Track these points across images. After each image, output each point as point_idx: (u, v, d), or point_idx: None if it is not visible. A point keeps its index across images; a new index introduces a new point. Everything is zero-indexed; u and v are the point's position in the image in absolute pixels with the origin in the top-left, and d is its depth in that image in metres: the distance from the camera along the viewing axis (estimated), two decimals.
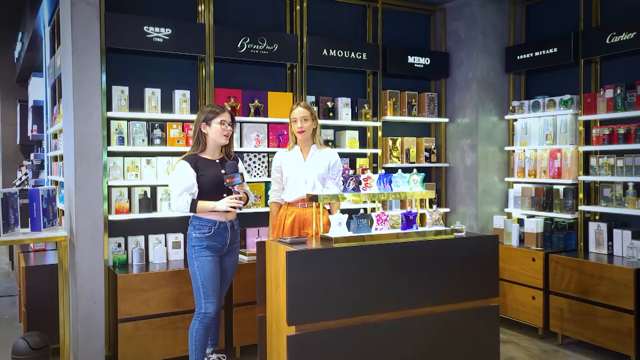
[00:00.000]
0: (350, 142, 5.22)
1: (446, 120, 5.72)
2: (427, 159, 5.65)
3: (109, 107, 4.30)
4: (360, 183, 3.53)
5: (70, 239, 3.97)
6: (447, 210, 5.66)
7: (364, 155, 5.42)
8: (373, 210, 5.16)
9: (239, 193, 3.47)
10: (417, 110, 5.60)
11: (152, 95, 4.43)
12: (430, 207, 3.79)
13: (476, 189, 5.40)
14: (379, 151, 5.35)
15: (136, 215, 4.32)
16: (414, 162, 5.56)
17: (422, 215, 3.79)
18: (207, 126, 3.56)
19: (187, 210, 3.48)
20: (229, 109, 4.56)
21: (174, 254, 4.49)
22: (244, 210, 4.66)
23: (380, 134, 5.36)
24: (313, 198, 3.41)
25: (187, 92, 4.56)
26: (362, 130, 5.42)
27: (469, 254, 3.57)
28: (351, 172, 3.70)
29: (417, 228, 3.57)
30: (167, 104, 4.56)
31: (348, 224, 3.43)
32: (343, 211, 3.63)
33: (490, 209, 5.46)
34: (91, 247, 3.87)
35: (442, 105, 5.77)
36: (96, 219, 3.93)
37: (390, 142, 5.48)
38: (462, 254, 3.55)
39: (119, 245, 4.29)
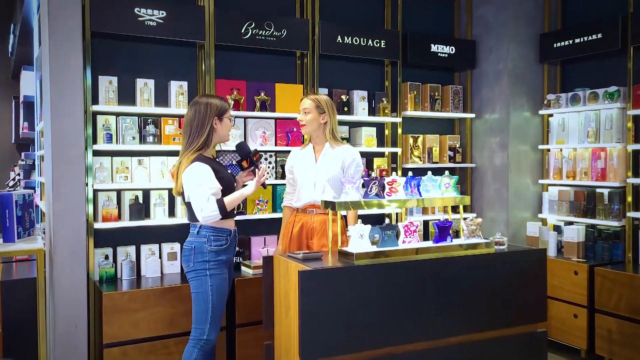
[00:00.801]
0: (367, 140, 4.68)
1: (472, 115, 5.17)
2: (451, 159, 5.11)
3: (95, 100, 3.79)
4: (384, 188, 3.00)
5: (50, 251, 3.45)
6: (474, 215, 5.10)
7: (381, 155, 4.89)
8: (390, 216, 4.62)
9: (263, 168, 3.15)
10: (441, 105, 5.06)
11: (145, 87, 3.91)
12: (454, 212, 3.24)
13: (507, 192, 4.85)
14: (398, 150, 4.81)
15: (126, 222, 3.81)
16: (436, 162, 5.02)
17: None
18: (218, 121, 3.07)
19: (218, 215, 2.94)
20: (231, 103, 4.06)
21: (169, 266, 3.97)
22: (248, 217, 4.14)
23: (400, 130, 4.83)
24: (328, 205, 2.89)
25: (185, 84, 4.04)
26: (379, 127, 4.89)
27: (514, 271, 3.03)
28: (373, 174, 3.17)
29: (451, 240, 3.03)
30: (161, 97, 4.04)
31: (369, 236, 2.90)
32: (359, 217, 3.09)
33: (522, 215, 4.90)
34: (71, 261, 3.36)
35: (468, 99, 5.22)
36: (77, 228, 3.42)
37: (410, 140, 4.93)
38: (505, 271, 3.01)
39: (106, 257, 3.77)
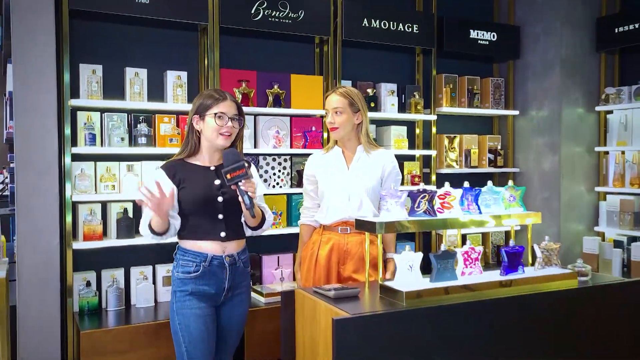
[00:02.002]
0: (397, 140, 4.01)
1: (515, 112, 4.50)
2: (491, 163, 4.43)
3: (75, 93, 3.13)
4: (430, 202, 2.35)
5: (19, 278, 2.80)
6: (518, 229, 4.42)
7: (412, 158, 4.22)
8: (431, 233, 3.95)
9: (246, 194, 2.20)
10: (480, 100, 4.38)
11: (136, 78, 3.25)
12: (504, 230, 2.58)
13: (558, 201, 4.17)
14: (432, 152, 4.14)
15: (113, 241, 3.15)
16: (475, 167, 4.35)
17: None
18: (200, 120, 2.37)
19: (151, 236, 2.31)
20: (239, 97, 3.39)
21: (164, 293, 3.31)
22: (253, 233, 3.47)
23: (434, 130, 4.15)
24: (365, 226, 2.23)
25: (184, 74, 3.39)
26: (410, 126, 4.22)
27: (606, 308, 2.36)
28: (421, 185, 2.50)
29: (523, 270, 2.36)
30: (156, 90, 3.39)
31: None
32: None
33: (576, 228, 4.23)
34: (40, 293, 2.72)
35: (510, 94, 4.55)
36: (49, 250, 2.77)
37: (446, 141, 4.26)
38: (595, 308, 2.34)
39: (88, 283, 3.11)
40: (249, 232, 2.46)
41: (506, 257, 2.34)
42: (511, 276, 2.31)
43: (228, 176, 2.17)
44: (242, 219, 2.40)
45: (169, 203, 2.20)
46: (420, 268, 2.24)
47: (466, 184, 2.54)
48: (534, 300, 2.23)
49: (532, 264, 2.51)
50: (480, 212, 2.46)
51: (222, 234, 2.32)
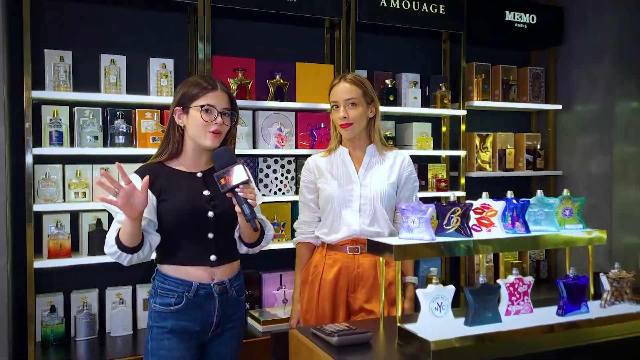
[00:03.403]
0: (420, 139, 3.47)
1: (558, 107, 3.92)
2: (530, 165, 3.86)
3: (38, 84, 2.66)
4: (464, 218, 1.81)
5: None
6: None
7: (437, 160, 3.67)
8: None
9: (245, 202, 1.73)
10: (517, 93, 3.81)
11: (112, 66, 2.77)
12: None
13: (609, 209, 3.58)
14: (461, 153, 3.58)
15: (84, 258, 2.68)
16: (511, 169, 3.78)
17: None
18: (183, 113, 1.86)
19: (119, 254, 1.75)
20: (234, 89, 2.89)
21: (145, 319, 2.79)
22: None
23: (463, 127, 3.60)
24: (380, 250, 1.72)
25: (169, 62, 2.90)
26: (435, 122, 3.67)
27: None
28: (451, 195, 1.96)
29: (587, 308, 1.81)
30: (137, 80, 2.91)
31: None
32: None
33: (631, 240, 3.63)
34: None
35: (551, 86, 3.97)
36: None
37: (477, 140, 3.70)
38: None
39: (52, 308, 2.64)
40: (243, 250, 1.95)
41: (566, 291, 1.78)
42: (573, 316, 1.75)
43: (222, 181, 1.71)
44: (237, 235, 1.91)
45: (143, 199, 1.67)
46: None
47: (509, 194, 2.00)
48: (608, 351, 1.67)
49: (594, 297, 1.96)
50: (529, 231, 1.92)
51: (212, 258, 1.84)
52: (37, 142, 2.64)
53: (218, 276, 1.86)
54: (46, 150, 2.62)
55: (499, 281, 1.79)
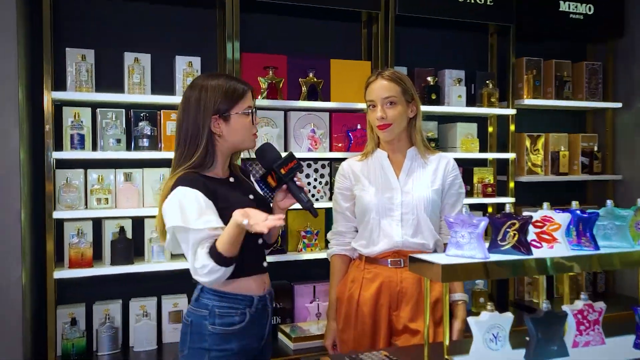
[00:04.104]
0: (465, 141, 3.20)
1: (617, 105, 3.59)
2: (586, 168, 3.54)
3: (59, 84, 2.54)
4: (522, 232, 1.57)
5: None
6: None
7: (483, 163, 3.40)
8: None
9: (302, 191, 1.75)
10: (572, 90, 3.50)
11: (136, 65, 2.62)
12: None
13: None
14: (510, 155, 3.30)
15: (107, 268, 2.53)
16: (565, 174, 3.48)
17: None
18: (222, 122, 1.69)
19: (220, 270, 1.57)
20: (264, 88, 2.72)
21: (171, 332, 2.67)
22: (289, 256, 2.81)
23: (512, 127, 3.31)
24: (424, 271, 1.50)
25: (197, 60, 2.74)
26: (481, 122, 3.40)
27: None
28: (507, 206, 1.71)
29: None
30: (162, 80, 2.76)
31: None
32: None
33: None
34: None
35: (609, 82, 3.65)
36: (6, 287, 2.15)
37: (527, 142, 3.41)
38: None
39: (73, 321, 2.50)
40: None
41: None
42: None
43: (282, 171, 1.70)
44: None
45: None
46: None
47: (574, 205, 1.74)
48: None
49: None
50: (597, 248, 1.65)
51: (265, 264, 1.78)
52: (58, 146, 2.52)
53: (267, 284, 1.78)
54: (67, 154, 2.49)
55: (565, 308, 1.54)
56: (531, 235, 1.64)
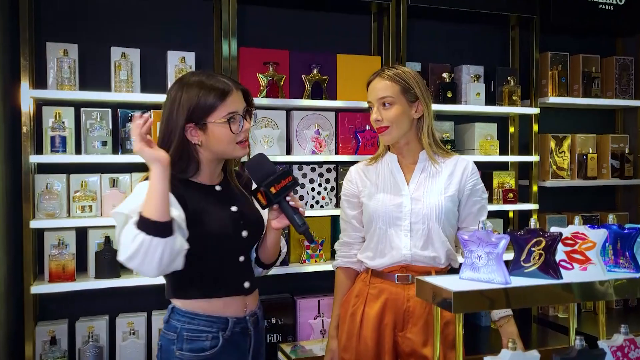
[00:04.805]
0: (483, 142, 2.95)
1: None
2: (616, 172, 3.27)
3: (39, 82, 2.34)
4: (550, 252, 1.32)
5: None
6: None
7: (504, 166, 3.14)
8: None
9: (297, 212, 1.49)
10: (600, 87, 3.22)
11: (123, 61, 2.42)
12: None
13: None
14: (533, 158, 3.04)
15: (91, 282, 2.33)
16: (593, 178, 3.21)
17: None
18: (197, 130, 1.48)
19: (156, 246, 1.27)
20: (264, 85, 2.49)
21: None
22: (292, 268, 2.58)
23: (535, 128, 3.05)
24: (433, 296, 1.26)
25: (190, 56, 2.52)
26: (501, 122, 3.14)
27: None
28: (532, 222, 1.46)
29: None
30: (152, 77, 2.55)
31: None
32: None
33: None
34: None
35: None
36: None
37: (552, 143, 3.14)
38: None
39: (53, 340, 2.30)
40: (258, 272, 1.67)
41: None
42: None
43: (272, 190, 1.45)
44: (254, 255, 1.64)
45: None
46: None
47: (611, 219, 1.48)
48: None
49: None
50: (638, 270, 1.40)
51: (246, 285, 1.56)
52: (38, 149, 2.33)
53: (250, 306, 1.58)
54: (47, 157, 2.29)
55: (602, 344, 1.29)
56: (560, 255, 1.40)
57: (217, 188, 1.56)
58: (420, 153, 1.79)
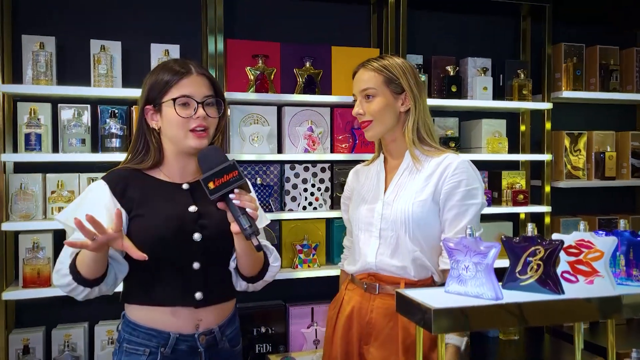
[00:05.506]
0: (491, 140, 2.76)
1: None
2: (637, 172, 3.05)
3: (14, 76, 2.23)
4: (549, 262, 1.15)
5: None
6: None
7: (514, 166, 2.95)
8: None
9: (243, 214, 1.30)
10: (619, 81, 3.00)
11: (103, 54, 2.28)
12: None
13: None
14: (546, 157, 2.84)
15: None
16: (611, 178, 2.99)
17: None
18: (155, 113, 1.43)
19: (73, 285, 1.32)
20: (252, 79, 2.35)
21: None
22: (285, 274, 2.42)
23: (548, 124, 2.85)
24: (414, 311, 1.09)
25: (175, 48, 2.39)
26: (511, 119, 2.95)
27: None
28: (529, 228, 1.28)
29: None
30: (135, 71, 2.41)
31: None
32: None
33: None
34: None
35: None
36: None
37: (566, 141, 2.94)
38: None
39: (27, 349, 2.17)
40: (242, 286, 1.51)
41: None
42: None
43: (210, 185, 1.30)
44: (233, 265, 1.48)
45: (118, 235, 1.24)
46: None
47: (622, 224, 1.30)
48: None
49: None
50: None
51: (197, 295, 1.40)
52: (12, 147, 2.21)
53: (204, 323, 1.42)
54: (22, 156, 2.17)
55: None
56: (563, 266, 1.23)
57: (184, 186, 1.45)
58: (405, 154, 1.60)
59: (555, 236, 1.19)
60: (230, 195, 1.28)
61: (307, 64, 2.50)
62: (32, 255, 2.17)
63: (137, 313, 1.40)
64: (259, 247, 1.28)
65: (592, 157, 2.99)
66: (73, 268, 1.30)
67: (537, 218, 2.88)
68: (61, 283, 1.33)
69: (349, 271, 1.69)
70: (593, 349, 2.50)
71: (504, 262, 1.18)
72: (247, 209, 1.29)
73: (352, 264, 1.67)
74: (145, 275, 1.39)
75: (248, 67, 2.41)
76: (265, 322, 2.47)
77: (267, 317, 2.48)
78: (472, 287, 1.13)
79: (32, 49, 2.21)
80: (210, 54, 2.35)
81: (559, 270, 1.21)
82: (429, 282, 1.56)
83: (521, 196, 2.79)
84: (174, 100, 1.37)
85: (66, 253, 1.34)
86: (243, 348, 1.59)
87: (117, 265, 1.37)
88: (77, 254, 1.31)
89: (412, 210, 1.51)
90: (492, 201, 2.81)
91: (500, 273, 1.11)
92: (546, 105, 2.83)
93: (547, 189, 2.85)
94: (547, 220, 2.83)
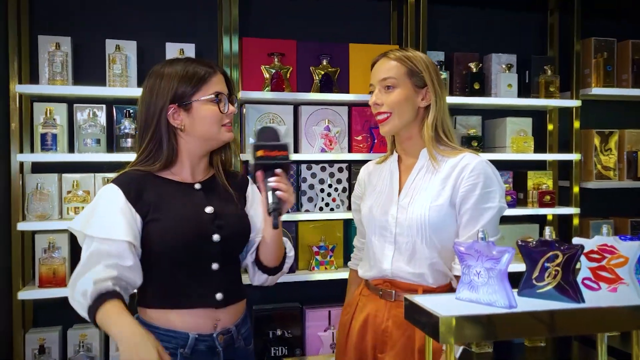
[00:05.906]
0: (516, 139, 2.66)
1: None
2: None
3: (31, 77, 2.23)
4: (568, 268, 1.08)
5: None
6: None
7: (540, 166, 2.84)
8: None
9: (274, 192, 1.35)
10: None
11: (119, 54, 2.28)
12: None
13: None
14: (574, 157, 2.73)
15: None
16: None
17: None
18: (182, 111, 1.40)
19: (82, 309, 1.31)
20: (268, 77, 2.33)
21: None
22: (299, 276, 2.38)
23: (577, 123, 2.73)
24: (422, 320, 1.03)
25: (190, 47, 2.37)
26: (538, 117, 2.85)
27: None
28: (547, 232, 1.21)
29: None
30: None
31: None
32: None
33: None
34: None
35: None
36: None
37: (596, 140, 2.82)
38: None
39: (42, 349, 2.18)
40: (261, 279, 1.52)
41: None
42: None
43: (259, 152, 1.34)
44: (251, 259, 1.50)
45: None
46: None
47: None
48: None
49: None
50: None
51: (218, 296, 1.40)
52: (28, 147, 2.22)
53: (222, 322, 1.41)
54: (38, 156, 2.18)
55: None
56: (584, 272, 1.14)
57: (197, 186, 1.43)
58: (423, 150, 1.53)
59: (575, 240, 1.11)
60: (275, 181, 1.33)
61: (324, 62, 2.45)
62: (48, 255, 2.18)
63: (154, 315, 1.37)
64: (276, 225, 1.32)
65: (624, 156, 2.86)
66: (92, 313, 1.25)
67: (565, 220, 2.78)
68: (73, 303, 1.32)
69: (363, 276, 1.62)
70: (624, 358, 2.38)
71: (521, 267, 1.11)
72: (278, 192, 1.33)
73: (367, 270, 1.59)
74: (164, 279, 1.37)
75: (264, 66, 2.37)
76: (281, 324, 2.43)
77: (283, 320, 2.44)
78: (484, 294, 1.07)
79: (48, 49, 2.21)
80: (226, 53, 2.32)
81: (579, 277, 1.13)
82: (448, 289, 1.49)
83: (548, 197, 2.69)
84: (215, 96, 1.38)
85: (88, 270, 1.31)
86: (259, 351, 1.56)
87: (133, 278, 1.32)
88: (104, 297, 1.26)
89: (429, 216, 1.44)
90: (518, 202, 2.71)
91: (516, 278, 1.05)
92: (575, 103, 2.72)
93: (576, 189, 2.74)
94: (576, 221, 2.72)
